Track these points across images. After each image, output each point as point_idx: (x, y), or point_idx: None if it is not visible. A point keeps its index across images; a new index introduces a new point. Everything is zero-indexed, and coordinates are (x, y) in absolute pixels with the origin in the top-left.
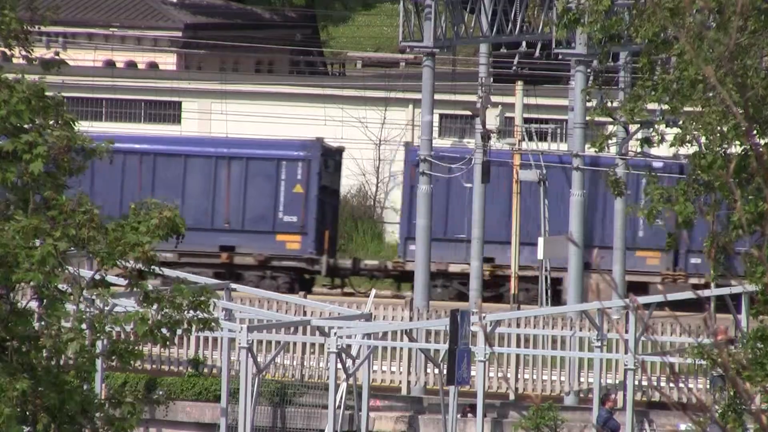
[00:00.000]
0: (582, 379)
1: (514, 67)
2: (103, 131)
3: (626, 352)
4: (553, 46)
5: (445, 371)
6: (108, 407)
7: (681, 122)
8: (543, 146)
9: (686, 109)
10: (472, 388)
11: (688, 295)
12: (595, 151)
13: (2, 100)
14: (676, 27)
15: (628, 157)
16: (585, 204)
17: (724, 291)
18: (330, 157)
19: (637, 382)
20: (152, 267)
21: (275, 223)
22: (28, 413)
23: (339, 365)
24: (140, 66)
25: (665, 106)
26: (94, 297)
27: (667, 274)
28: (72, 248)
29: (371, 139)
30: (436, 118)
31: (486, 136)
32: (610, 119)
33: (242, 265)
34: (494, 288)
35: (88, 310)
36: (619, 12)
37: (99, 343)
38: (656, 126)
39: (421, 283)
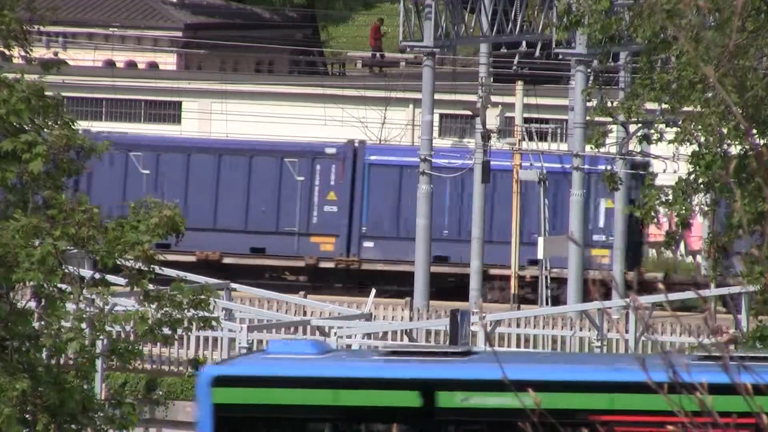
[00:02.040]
0: None
1: (514, 67)
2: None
3: (626, 352)
4: (553, 46)
5: None
6: (108, 407)
7: (681, 122)
8: (543, 146)
9: (685, 109)
10: None
11: (689, 295)
12: (591, 148)
13: (2, 99)
14: (675, 28)
15: (628, 157)
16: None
17: (723, 291)
18: None
19: None
20: (152, 266)
21: None
22: (27, 413)
23: None
24: (140, 66)
25: (665, 105)
26: (94, 296)
27: (341, 260)
28: (71, 248)
29: (371, 139)
30: (436, 118)
31: (486, 136)
32: (610, 119)
33: None
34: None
35: (88, 309)
36: (619, 12)
37: (99, 343)
38: (655, 125)
39: (421, 283)
